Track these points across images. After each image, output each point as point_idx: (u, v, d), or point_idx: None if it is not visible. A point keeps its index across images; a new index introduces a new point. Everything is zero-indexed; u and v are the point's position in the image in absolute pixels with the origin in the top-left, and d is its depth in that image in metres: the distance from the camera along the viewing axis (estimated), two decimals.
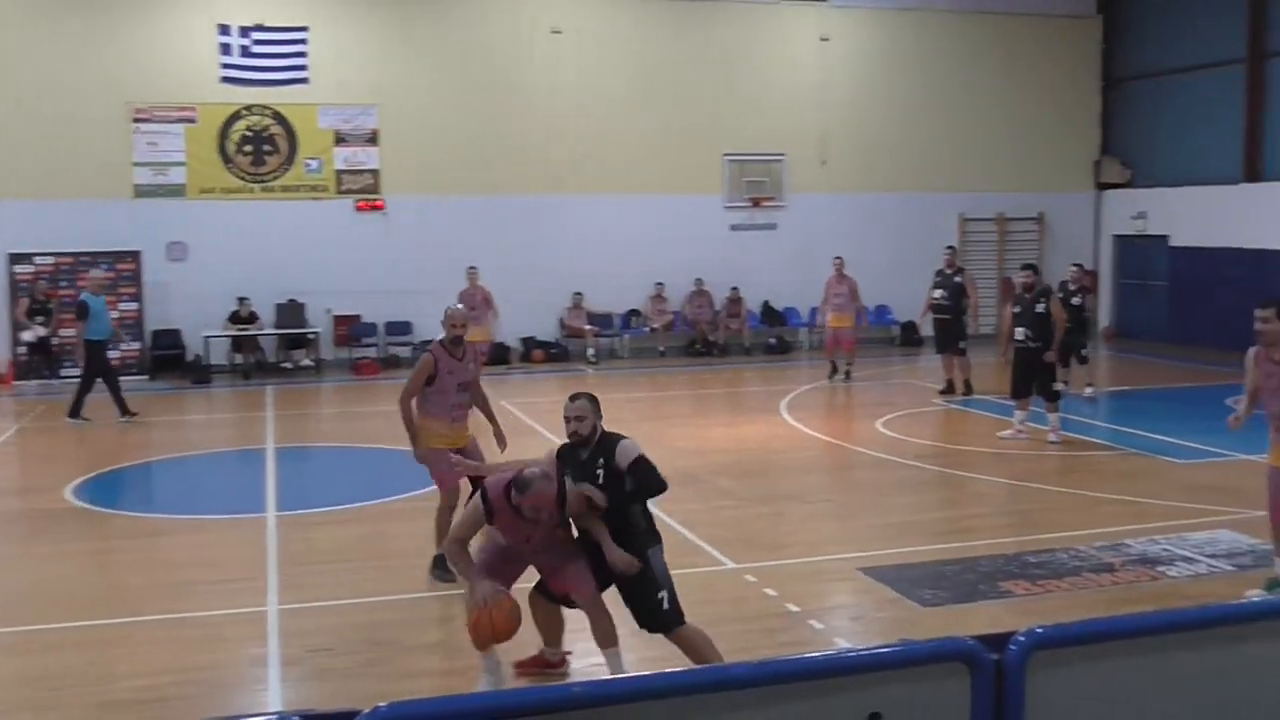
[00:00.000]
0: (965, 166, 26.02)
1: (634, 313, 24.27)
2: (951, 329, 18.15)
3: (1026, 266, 15.14)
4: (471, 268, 18.56)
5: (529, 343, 23.39)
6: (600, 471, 6.78)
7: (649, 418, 16.85)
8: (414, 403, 9.22)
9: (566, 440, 6.95)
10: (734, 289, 24.36)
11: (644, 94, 23.98)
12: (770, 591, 8.74)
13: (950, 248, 19.38)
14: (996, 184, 26.24)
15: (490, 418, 9.55)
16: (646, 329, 24.07)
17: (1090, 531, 10.22)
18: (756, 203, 24.72)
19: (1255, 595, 8.08)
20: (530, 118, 23.35)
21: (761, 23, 24.73)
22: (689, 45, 24.27)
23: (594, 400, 6.98)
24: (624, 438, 6.92)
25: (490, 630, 6.63)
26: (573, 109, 23.55)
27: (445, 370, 9.13)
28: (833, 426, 16.25)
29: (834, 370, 20.17)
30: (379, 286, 22.59)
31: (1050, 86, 26.55)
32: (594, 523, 6.83)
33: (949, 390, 18.08)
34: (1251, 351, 8.43)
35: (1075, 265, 17.92)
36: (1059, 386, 14.56)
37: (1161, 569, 9.16)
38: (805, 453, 14.38)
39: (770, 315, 25.05)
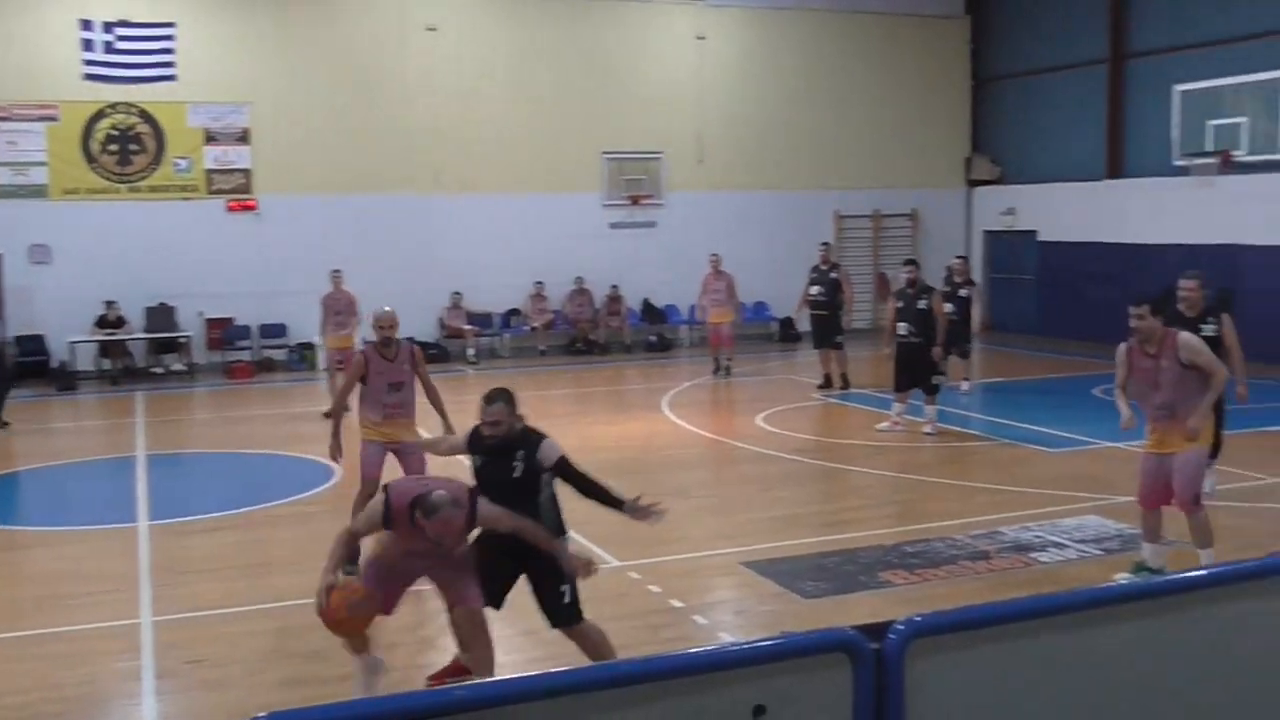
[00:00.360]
0: (840, 164, 26.42)
1: (514, 312, 24.17)
2: (828, 325, 18.39)
3: (909, 262, 15.33)
4: (336, 271, 17.59)
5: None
6: (518, 465, 6.69)
7: (531, 418, 16.77)
8: (355, 398, 9.62)
9: (479, 429, 6.78)
10: (614, 287, 24.40)
11: (521, 92, 23.88)
12: (654, 588, 8.77)
13: (825, 244, 19.65)
14: (871, 181, 26.69)
15: (441, 414, 9.70)
16: (527, 328, 23.99)
17: (966, 521, 10.44)
18: (635, 201, 24.79)
19: (1123, 578, 8.33)
20: (406, 116, 23.10)
21: (638, 21, 24.81)
22: (566, 43, 24.24)
23: (510, 399, 6.78)
24: (545, 436, 6.84)
25: (327, 614, 6.26)
26: (449, 107, 23.35)
27: (375, 370, 9.43)
28: (714, 422, 16.36)
29: (717, 367, 20.37)
30: (252, 288, 22.14)
31: (922, 85, 27.09)
32: (538, 533, 6.64)
33: (827, 385, 18.32)
34: (1123, 346, 8.67)
35: (959, 258, 18.25)
36: (938, 380, 14.82)
37: (1034, 555, 9.40)
38: (687, 449, 14.45)
39: (650, 313, 25.14)
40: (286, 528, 10.93)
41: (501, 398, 6.76)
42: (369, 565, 6.74)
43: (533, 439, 6.78)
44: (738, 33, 25.58)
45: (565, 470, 6.83)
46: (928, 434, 14.40)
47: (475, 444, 6.87)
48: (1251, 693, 4.84)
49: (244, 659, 7.57)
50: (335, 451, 9.50)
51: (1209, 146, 18.46)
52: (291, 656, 7.62)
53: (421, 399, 9.74)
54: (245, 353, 22.26)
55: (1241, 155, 18.10)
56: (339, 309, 17.18)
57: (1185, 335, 8.43)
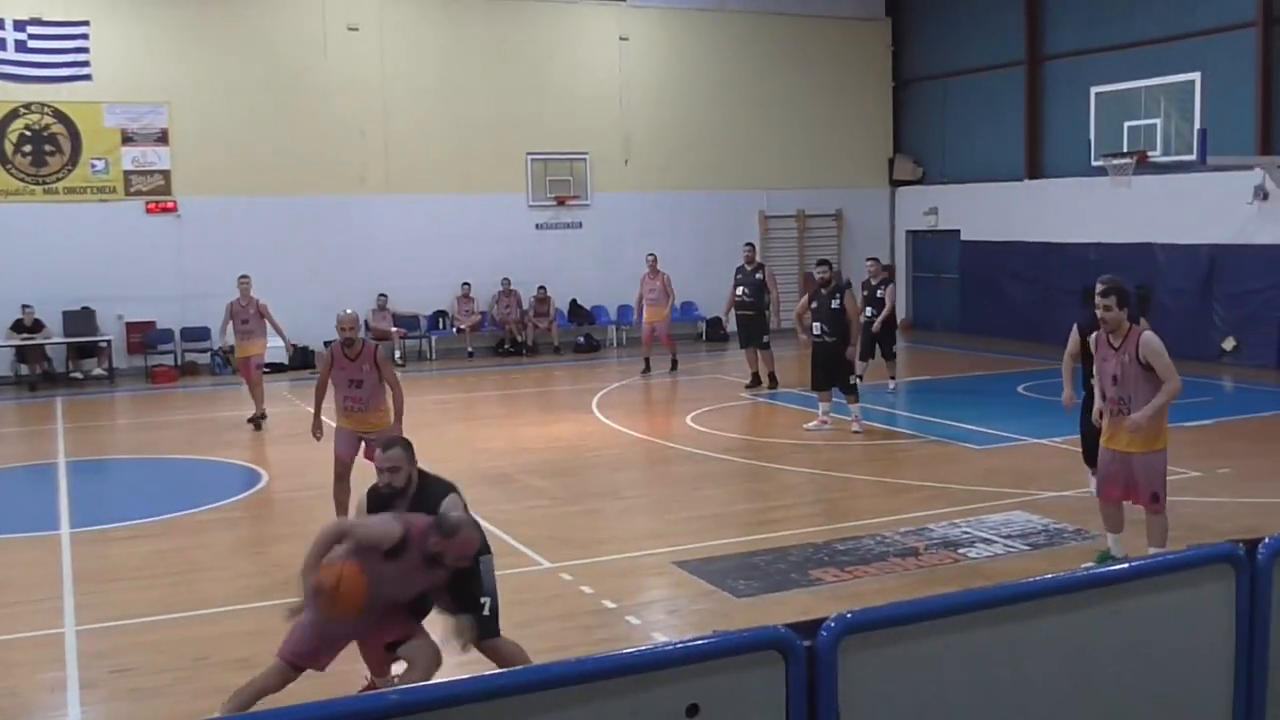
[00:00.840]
0: (765, 164, 26.58)
1: (441, 314, 24.04)
2: (755, 324, 18.50)
3: (822, 262, 15.41)
4: (243, 277, 16.52)
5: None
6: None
7: (459, 419, 16.72)
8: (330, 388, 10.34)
9: (375, 486, 6.49)
10: (541, 288, 24.36)
11: (445, 92, 23.75)
12: (586, 589, 8.77)
13: (749, 245, 19.78)
14: (796, 181, 26.89)
15: (397, 415, 10.17)
16: (454, 330, 23.87)
17: (895, 517, 10.55)
18: (561, 201, 24.76)
19: (1088, 568, 8.45)
20: (329, 116, 22.88)
21: (562, 22, 24.78)
22: (490, 44, 24.15)
23: (408, 447, 6.59)
24: (448, 487, 6.53)
25: (347, 597, 5.92)
26: (373, 108, 23.17)
27: (338, 367, 10.24)
28: (644, 422, 16.38)
29: (647, 366, 20.44)
30: (174, 291, 21.82)
31: (844, 87, 27.35)
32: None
33: (755, 384, 18.43)
34: (1092, 336, 8.81)
35: (871, 259, 18.41)
36: (855, 380, 14.89)
37: (962, 551, 9.52)
38: (617, 449, 14.46)
39: (578, 313, 25.13)
40: (211, 534, 10.79)
41: (398, 444, 6.58)
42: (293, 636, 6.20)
43: (431, 491, 6.48)
44: (661, 34, 25.65)
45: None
46: (855, 432, 14.53)
47: (374, 503, 6.49)
48: (1174, 683, 4.94)
49: (170, 667, 7.46)
50: (316, 430, 10.50)
51: (1125, 147, 18.79)
52: (219, 664, 7.51)
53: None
54: (168, 357, 21.91)
55: (1157, 156, 18.44)
56: (246, 317, 16.21)
57: (1149, 335, 8.51)
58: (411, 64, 23.53)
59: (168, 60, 21.87)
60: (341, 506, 9.84)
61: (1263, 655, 5.03)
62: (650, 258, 20.68)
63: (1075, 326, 9.82)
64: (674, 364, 20.68)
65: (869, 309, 16.89)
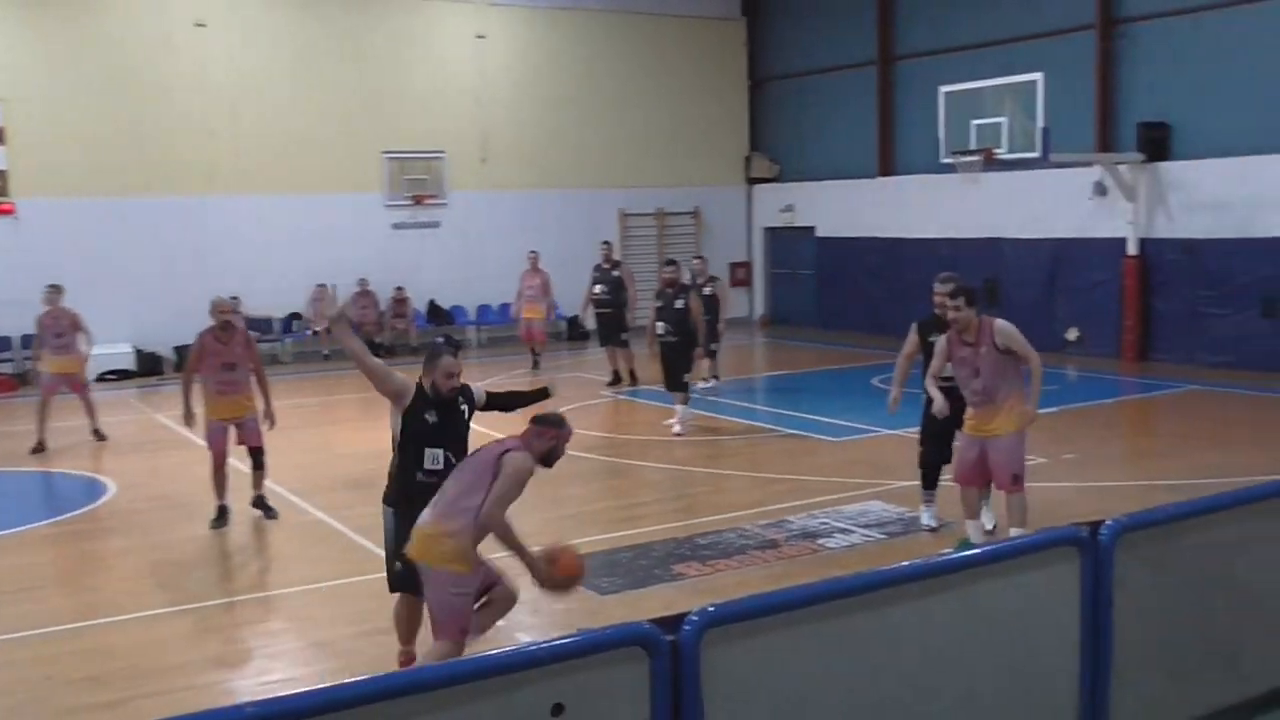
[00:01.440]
0: (624, 163, 26.67)
1: (295, 316, 23.57)
2: (613, 322, 18.56)
3: (670, 263, 15.58)
4: (52, 287, 15.32)
5: (183, 351, 22.27)
6: (466, 409, 7.22)
7: (316, 423, 16.42)
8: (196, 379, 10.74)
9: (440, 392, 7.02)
10: (399, 288, 24.06)
11: (297, 90, 23.29)
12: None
13: (606, 243, 19.83)
14: (654, 179, 27.04)
15: (265, 398, 10.92)
16: (309, 332, 23.42)
17: (755, 511, 10.67)
18: (418, 201, 24.49)
19: (947, 553, 8.65)
20: (175, 115, 22.24)
21: (417, 19, 24.51)
22: (344, 40, 23.75)
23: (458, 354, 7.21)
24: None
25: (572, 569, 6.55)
26: (221, 106, 22.59)
27: (210, 353, 10.62)
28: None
29: (535, 362, 20.80)
30: (12, 297, 20.94)
31: (701, 85, 27.59)
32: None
33: (615, 381, 18.47)
34: (942, 337, 9.04)
35: (698, 258, 18.49)
36: (687, 378, 14.85)
37: (821, 541, 9.67)
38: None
39: (437, 314, 24.89)
40: (55, 548, 10.41)
41: (454, 352, 7.13)
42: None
43: (468, 390, 7.23)
44: (518, 32, 25.54)
45: (493, 398, 7.65)
46: (677, 434, 14.33)
47: (434, 399, 7.01)
48: (1025, 661, 5.10)
49: (14, 689, 7.17)
50: (188, 418, 10.73)
51: (973, 145, 19.31)
52: (66, 684, 7.25)
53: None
54: (7, 365, 21.08)
55: (1003, 153, 18.98)
56: (59, 330, 15.06)
57: (1001, 322, 8.86)
58: (261, 61, 23.01)
59: (3, 56, 21.00)
60: (221, 490, 10.69)
61: (1106, 631, 5.22)
62: (531, 255, 20.86)
63: (915, 325, 10.00)
64: (535, 363, 20.68)
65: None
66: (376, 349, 23.34)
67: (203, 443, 10.92)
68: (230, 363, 10.70)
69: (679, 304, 14.74)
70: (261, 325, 22.87)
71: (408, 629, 7.10)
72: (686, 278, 16.52)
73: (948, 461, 9.78)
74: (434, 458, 6.86)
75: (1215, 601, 5.71)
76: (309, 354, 23.35)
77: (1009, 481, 8.84)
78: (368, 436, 15.08)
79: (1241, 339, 18.55)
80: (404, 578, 6.74)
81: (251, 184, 22.88)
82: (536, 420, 6.61)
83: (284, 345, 23.36)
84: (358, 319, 23.61)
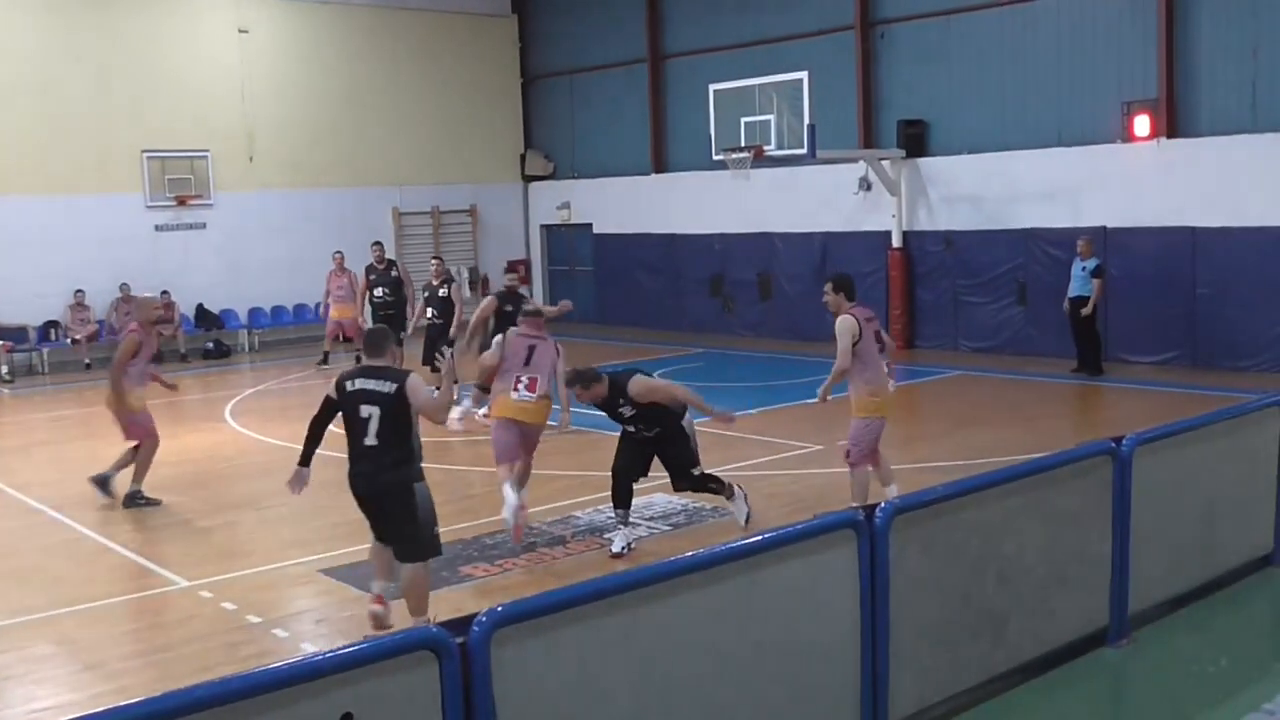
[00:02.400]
0: (397, 160, 26.30)
1: (52, 324, 22.37)
2: (394, 323, 18.27)
3: (435, 258, 17.33)
4: None
5: None
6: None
7: (78, 436, 15.64)
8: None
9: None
10: (164, 293, 23.07)
11: (48, 86, 22.09)
12: (229, 605, 8.41)
13: (377, 243, 19.42)
14: (429, 177, 26.75)
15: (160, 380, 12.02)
16: (68, 340, 22.27)
17: (542, 508, 10.66)
18: (182, 201, 23.59)
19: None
20: None
21: (175, 12, 23.58)
22: (99, 34, 22.63)
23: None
24: None
25: None
26: None
27: (146, 346, 11.38)
28: (282, 429, 15.82)
29: (325, 359, 20.76)
30: None
31: (474, 82, 27.42)
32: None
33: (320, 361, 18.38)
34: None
35: (435, 259, 18.13)
36: (438, 362, 14.69)
37: (608, 536, 9.73)
38: (255, 458, 13.93)
39: (206, 318, 24.02)
40: None
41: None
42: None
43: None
44: (281, 26, 24.86)
45: None
46: (456, 424, 14.28)
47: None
48: (809, 643, 5.25)
49: None
50: (136, 407, 11.47)
51: (743, 142, 19.73)
52: None
53: None
54: None
55: (772, 150, 19.47)
56: None
57: (842, 317, 9.52)
58: (3, 55, 21.73)
59: None
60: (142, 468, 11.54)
61: (884, 611, 5.43)
62: (337, 255, 20.90)
63: None
64: (358, 357, 20.13)
65: (430, 310, 16.63)
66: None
67: None
68: (158, 353, 12.67)
69: (442, 292, 16.33)
70: (15, 335, 21.63)
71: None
72: (436, 276, 16.87)
73: None
74: None
75: (984, 576, 6.00)
76: (69, 363, 22.20)
77: (845, 456, 9.83)
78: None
79: (999, 325, 19.54)
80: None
81: (1, 185, 21.62)
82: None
83: (41, 354, 22.11)
84: (120, 326, 22.59)
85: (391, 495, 7.41)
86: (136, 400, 11.41)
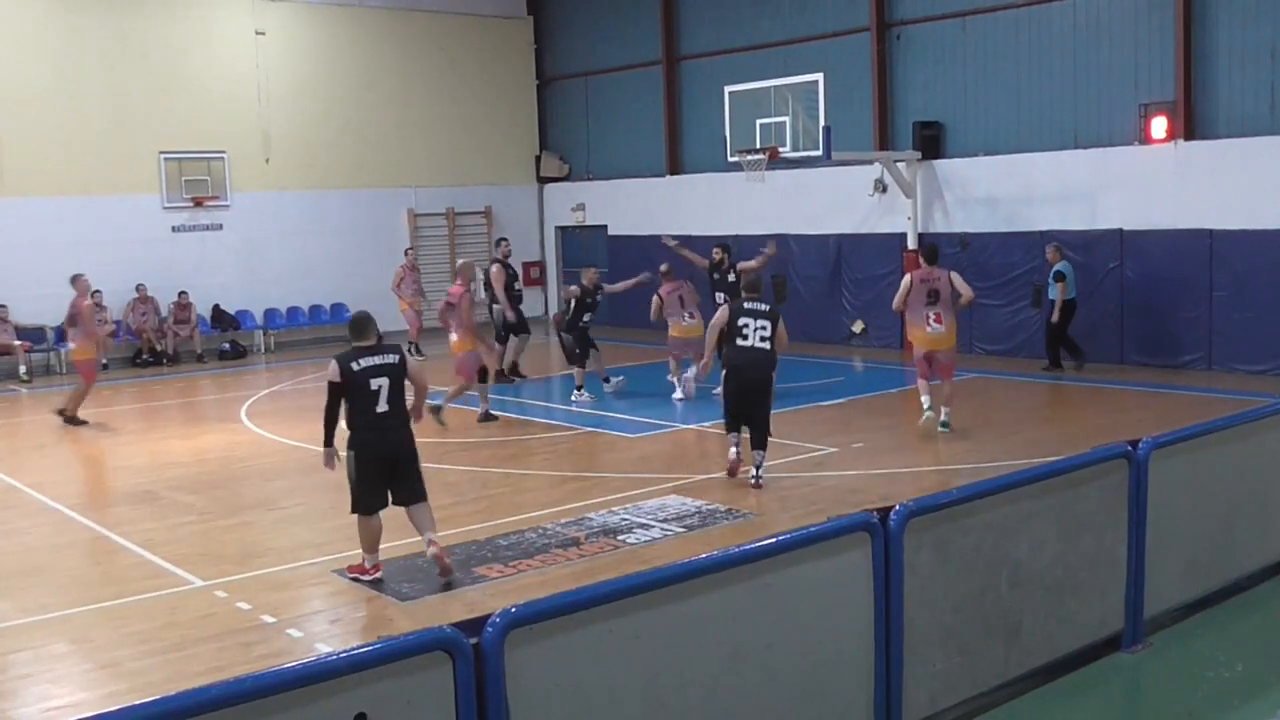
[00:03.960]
0: (413, 162, 26.35)
1: (71, 324, 22.43)
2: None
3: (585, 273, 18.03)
4: None
5: None
6: None
7: (96, 436, 15.71)
8: None
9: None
10: (181, 293, 23.17)
11: (69, 89, 22.18)
12: (243, 605, 8.42)
13: (503, 239, 19.79)
14: (445, 178, 26.79)
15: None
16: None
17: (556, 509, 10.67)
18: (199, 203, 23.67)
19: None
20: None
21: (193, 15, 23.66)
22: (118, 37, 22.74)
23: None
24: None
25: None
26: None
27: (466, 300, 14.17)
28: (296, 429, 15.86)
29: (417, 349, 21.99)
30: None
31: (489, 84, 27.45)
32: None
33: (501, 376, 18.28)
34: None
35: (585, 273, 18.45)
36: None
37: (621, 537, 9.74)
38: (269, 459, 13.96)
39: (222, 319, 24.09)
40: None
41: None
42: None
43: None
44: (298, 29, 24.93)
45: None
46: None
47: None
48: (822, 644, 5.24)
49: None
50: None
51: (758, 143, 19.72)
52: None
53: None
54: None
55: (787, 151, 19.45)
56: None
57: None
58: (22, 58, 21.84)
59: None
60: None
61: (898, 611, 5.41)
62: (410, 252, 23.52)
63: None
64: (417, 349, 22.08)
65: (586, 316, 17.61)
66: (157, 357, 22.54)
67: None
68: None
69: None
70: (32, 335, 21.74)
71: None
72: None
73: None
74: None
75: (998, 579, 5.98)
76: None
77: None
78: (151, 448, 14.53)
79: (1015, 328, 19.48)
80: None
81: (20, 187, 21.74)
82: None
83: (59, 354, 22.18)
84: (137, 326, 22.69)
85: (407, 448, 8.70)
86: (464, 345, 14.52)
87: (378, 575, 8.76)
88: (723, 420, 11.83)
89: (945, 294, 13.38)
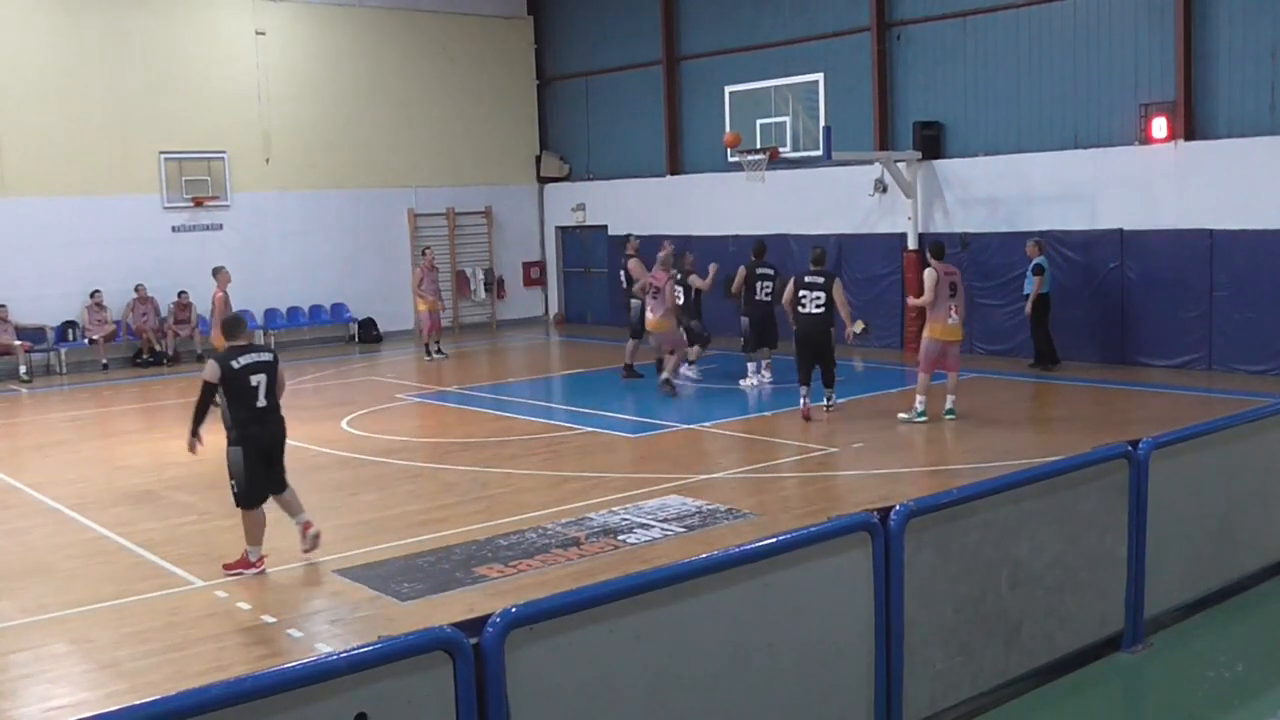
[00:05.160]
0: (413, 162, 26.35)
1: (70, 324, 22.48)
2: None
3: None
4: None
5: None
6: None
7: (95, 436, 15.71)
8: None
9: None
10: (181, 293, 23.16)
11: (67, 88, 22.17)
12: (244, 605, 8.43)
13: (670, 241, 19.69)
14: (445, 179, 26.80)
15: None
16: (85, 341, 22.37)
17: (556, 509, 10.67)
18: (199, 203, 23.67)
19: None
20: None
21: (193, 15, 23.65)
22: (117, 36, 22.72)
23: None
24: None
25: None
26: None
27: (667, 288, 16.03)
28: (297, 429, 15.80)
29: (428, 351, 21.97)
30: None
31: (489, 84, 27.45)
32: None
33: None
34: None
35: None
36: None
37: (622, 537, 9.74)
38: None
39: None
40: None
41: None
42: None
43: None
44: (298, 29, 24.93)
45: None
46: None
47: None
48: (823, 643, 5.24)
49: None
50: None
51: (758, 144, 19.72)
52: None
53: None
54: None
55: (787, 151, 19.45)
56: None
57: None
58: (21, 58, 21.83)
59: None
60: None
61: (898, 611, 5.41)
62: (428, 251, 22.71)
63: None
64: (439, 349, 22.12)
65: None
66: (157, 357, 22.54)
67: None
68: None
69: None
70: (33, 335, 21.74)
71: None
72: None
73: None
74: None
75: (999, 580, 5.98)
76: (87, 363, 22.31)
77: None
78: (151, 448, 14.53)
79: (1015, 328, 19.46)
80: None
81: (20, 187, 21.74)
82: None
83: (59, 354, 22.20)
84: (137, 326, 22.69)
85: (282, 439, 9.40)
86: (665, 323, 16.50)
87: (262, 569, 9.15)
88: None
89: (960, 287, 14.25)
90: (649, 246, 20.71)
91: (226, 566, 9.20)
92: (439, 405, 16.99)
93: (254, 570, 9.13)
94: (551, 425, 15.25)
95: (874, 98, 21.48)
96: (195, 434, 9.26)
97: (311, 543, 9.37)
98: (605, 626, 4.41)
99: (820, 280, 14.58)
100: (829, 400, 14.91)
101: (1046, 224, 19.00)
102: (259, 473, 9.17)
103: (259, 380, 9.08)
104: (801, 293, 14.63)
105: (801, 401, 14.57)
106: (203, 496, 11.93)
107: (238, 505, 9.20)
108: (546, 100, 28.56)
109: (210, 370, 8.99)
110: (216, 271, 17.04)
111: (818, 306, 14.52)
